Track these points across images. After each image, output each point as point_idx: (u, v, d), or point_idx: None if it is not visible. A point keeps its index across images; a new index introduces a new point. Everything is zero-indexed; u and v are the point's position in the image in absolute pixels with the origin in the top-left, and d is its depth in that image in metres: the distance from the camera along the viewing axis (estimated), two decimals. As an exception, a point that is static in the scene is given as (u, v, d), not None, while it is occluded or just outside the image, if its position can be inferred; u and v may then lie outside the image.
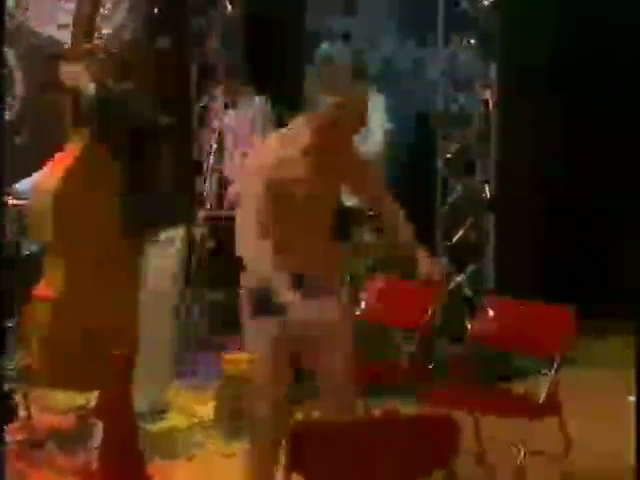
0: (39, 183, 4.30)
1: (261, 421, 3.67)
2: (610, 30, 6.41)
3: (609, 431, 4.51)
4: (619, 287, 5.55)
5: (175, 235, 5.04)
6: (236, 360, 4.79)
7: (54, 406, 4.86)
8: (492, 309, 4.48)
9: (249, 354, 3.78)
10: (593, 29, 6.34)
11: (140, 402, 4.41)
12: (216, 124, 6.42)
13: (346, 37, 6.19)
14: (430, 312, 4.77)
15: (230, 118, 6.43)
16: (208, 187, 6.23)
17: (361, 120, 3.61)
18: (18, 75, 5.61)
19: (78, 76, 4.34)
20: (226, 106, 6.42)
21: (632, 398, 3.32)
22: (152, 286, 4.71)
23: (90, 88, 4.35)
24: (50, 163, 4.36)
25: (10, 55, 5.54)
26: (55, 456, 4.46)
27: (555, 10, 6.43)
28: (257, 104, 6.35)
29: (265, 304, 3.42)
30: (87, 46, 4.35)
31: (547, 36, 6.47)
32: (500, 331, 4.42)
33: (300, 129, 3.60)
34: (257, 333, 3.63)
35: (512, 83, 6.21)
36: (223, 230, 6.24)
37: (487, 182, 6.20)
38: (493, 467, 4.28)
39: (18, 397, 4.42)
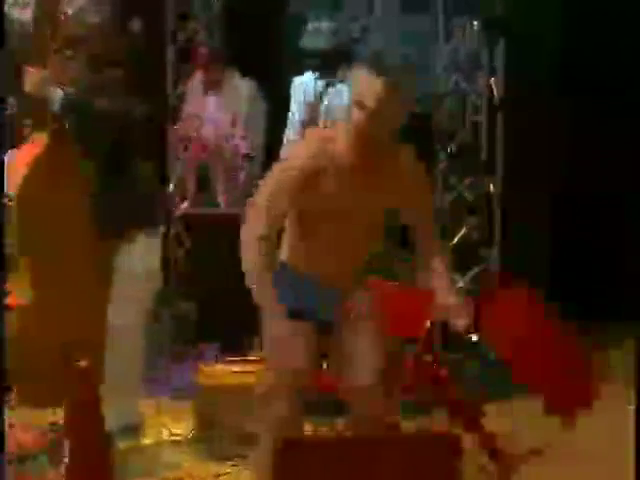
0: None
1: (278, 422, 3.60)
2: (620, 26, 6.33)
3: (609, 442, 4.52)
4: (627, 288, 5.47)
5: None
6: (213, 371, 4.78)
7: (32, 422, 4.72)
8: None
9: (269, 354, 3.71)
10: (601, 24, 6.24)
11: (110, 418, 4.24)
12: (189, 111, 6.21)
13: (334, 33, 6.06)
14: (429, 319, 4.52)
15: (211, 104, 6.21)
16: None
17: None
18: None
19: (44, 84, 4.31)
20: (207, 91, 6.23)
21: (631, 407, 3.35)
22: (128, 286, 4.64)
23: (57, 94, 4.33)
24: (12, 161, 4.27)
25: None
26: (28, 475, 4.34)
27: (562, 5, 6.32)
28: (242, 86, 6.16)
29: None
30: (53, 45, 4.29)
31: (554, 30, 6.36)
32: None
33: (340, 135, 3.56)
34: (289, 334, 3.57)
35: (518, 75, 6.09)
36: (203, 228, 6.14)
37: (493, 178, 6.06)
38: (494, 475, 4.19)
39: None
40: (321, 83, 5.77)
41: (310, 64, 5.80)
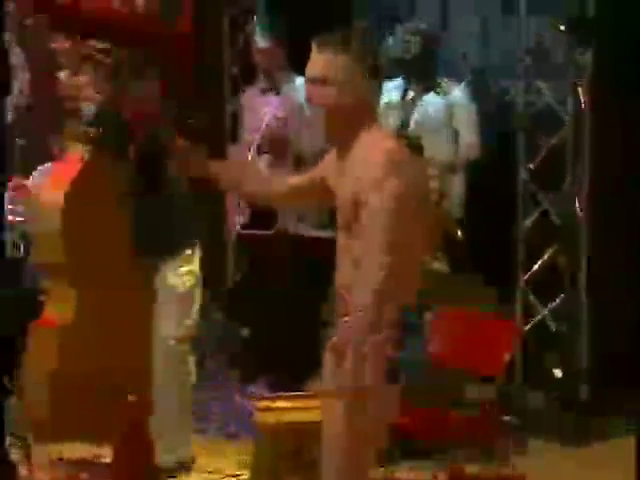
0: (42, 200, 4.37)
1: None
2: None
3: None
4: None
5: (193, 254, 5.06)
6: (272, 406, 4.77)
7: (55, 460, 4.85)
8: None
9: None
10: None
11: (159, 456, 4.44)
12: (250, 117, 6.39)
13: (395, 19, 6.23)
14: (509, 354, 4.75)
15: (268, 106, 6.38)
16: None
17: None
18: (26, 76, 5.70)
19: (81, 88, 4.46)
20: (264, 91, 6.46)
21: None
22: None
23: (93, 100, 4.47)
24: (49, 176, 4.45)
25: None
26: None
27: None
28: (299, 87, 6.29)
29: None
30: (83, 51, 4.42)
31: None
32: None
33: None
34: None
35: (609, 78, 6.08)
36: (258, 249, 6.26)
37: (578, 195, 6.06)
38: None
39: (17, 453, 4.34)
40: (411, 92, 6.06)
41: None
